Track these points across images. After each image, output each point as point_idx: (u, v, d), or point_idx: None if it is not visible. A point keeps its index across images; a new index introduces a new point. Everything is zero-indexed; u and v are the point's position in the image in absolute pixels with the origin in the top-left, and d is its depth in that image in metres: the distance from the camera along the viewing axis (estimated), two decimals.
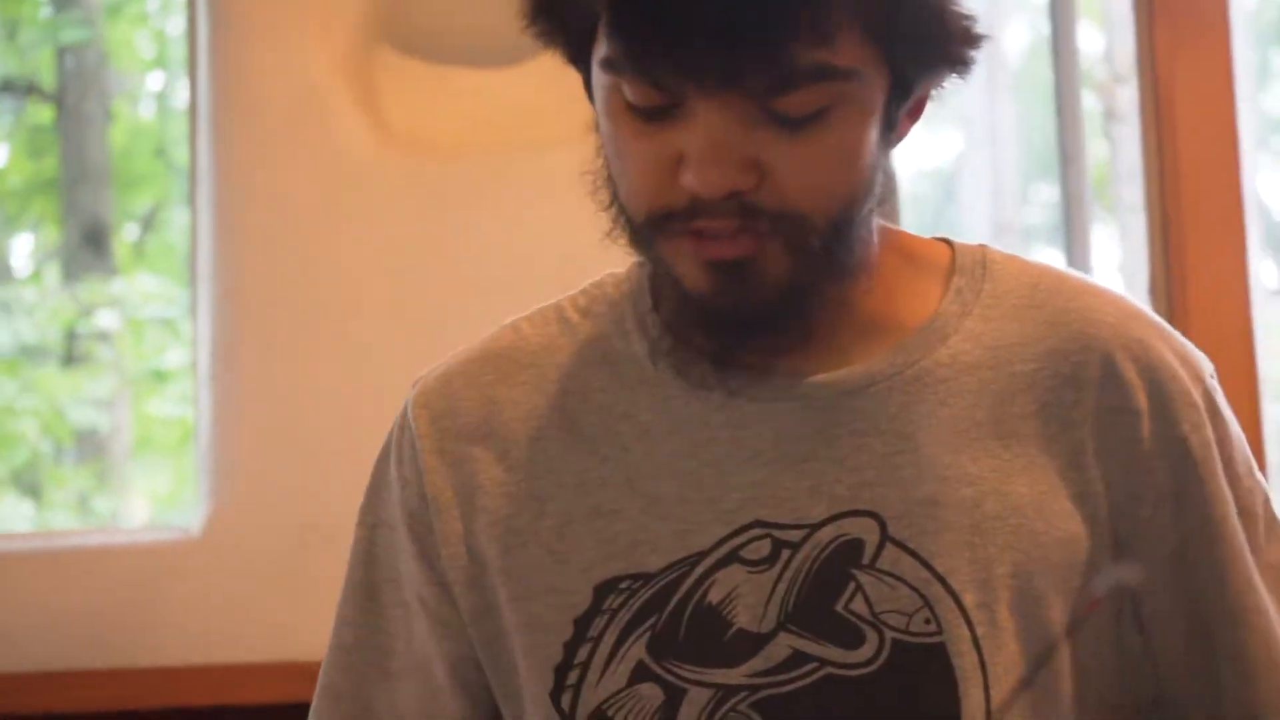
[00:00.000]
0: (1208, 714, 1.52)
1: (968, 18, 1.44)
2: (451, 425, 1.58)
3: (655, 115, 1.40)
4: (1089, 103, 3.92)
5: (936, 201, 5.24)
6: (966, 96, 4.40)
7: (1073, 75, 3.73)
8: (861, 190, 1.44)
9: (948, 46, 1.44)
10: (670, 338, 1.53)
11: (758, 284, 1.42)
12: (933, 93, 1.51)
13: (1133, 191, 3.63)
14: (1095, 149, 3.95)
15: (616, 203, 1.48)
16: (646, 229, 1.44)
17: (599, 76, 1.44)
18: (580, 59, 1.48)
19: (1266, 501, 1.55)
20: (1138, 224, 3.54)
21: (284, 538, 2.99)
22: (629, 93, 1.41)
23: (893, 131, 1.47)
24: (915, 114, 1.50)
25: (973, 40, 1.45)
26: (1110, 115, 3.95)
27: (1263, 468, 3.37)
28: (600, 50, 1.41)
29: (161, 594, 3.07)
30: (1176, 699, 1.53)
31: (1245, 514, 1.53)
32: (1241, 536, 1.52)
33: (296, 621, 2.72)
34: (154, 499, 8.01)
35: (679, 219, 1.41)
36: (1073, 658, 1.49)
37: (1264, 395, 3.45)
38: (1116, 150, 3.90)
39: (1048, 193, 5.54)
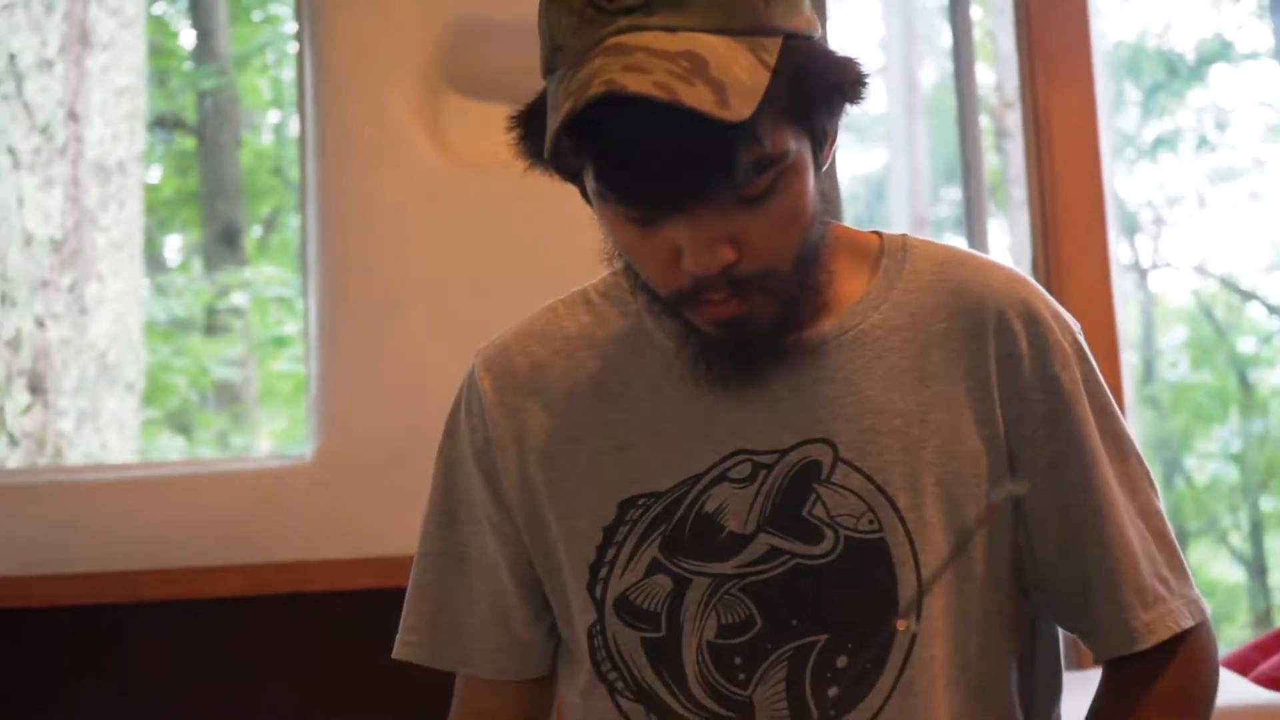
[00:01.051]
0: (1075, 588, 1.52)
1: (852, 61, 1.42)
2: (508, 384, 1.56)
3: (647, 221, 1.38)
4: (984, 123, 3.92)
5: (869, 200, 5.22)
6: (891, 121, 4.39)
7: (971, 102, 3.64)
8: (813, 226, 1.43)
9: (844, 94, 1.41)
10: (690, 363, 1.49)
11: (756, 328, 1.41)
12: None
13: (1019, 191, 3.60)
14: (989, 159, 3.96)
15: (632, 278, 1.47)
16: (666, 303, 1.43)
17: (593, 196, 1.42)
18: (573, 179, 1.45)
19: (1123, 427, 1.55)
20: (1023, 217, 3.50)
21: (374, 463, 2.96)
22: (620, 209, 1.39)
23: (821, 170, 1.44)
24: (832, 141, 1.46)
25: (863, 78, 1.43)
26: (1001, 133, 3.92)
27: (1120, 402, 3.41)
28: (590, 183, 1.39)
29: (282, 507, 3.03)
30: (1050, 580, 1.52)
31: (1105, 435, 1.52)
32: (1103, 452, 1.51)
33: (385, 527, 2.69)
34: (275, 435, 7.99)
35: (688, 296, 1.39)
36: (983, 549, 1.48)
37: (1122, 345, 3.46)
38: (1006, 160, 3.88)
39: (953, 194, 5.51)
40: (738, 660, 1.46)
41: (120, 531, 3.03)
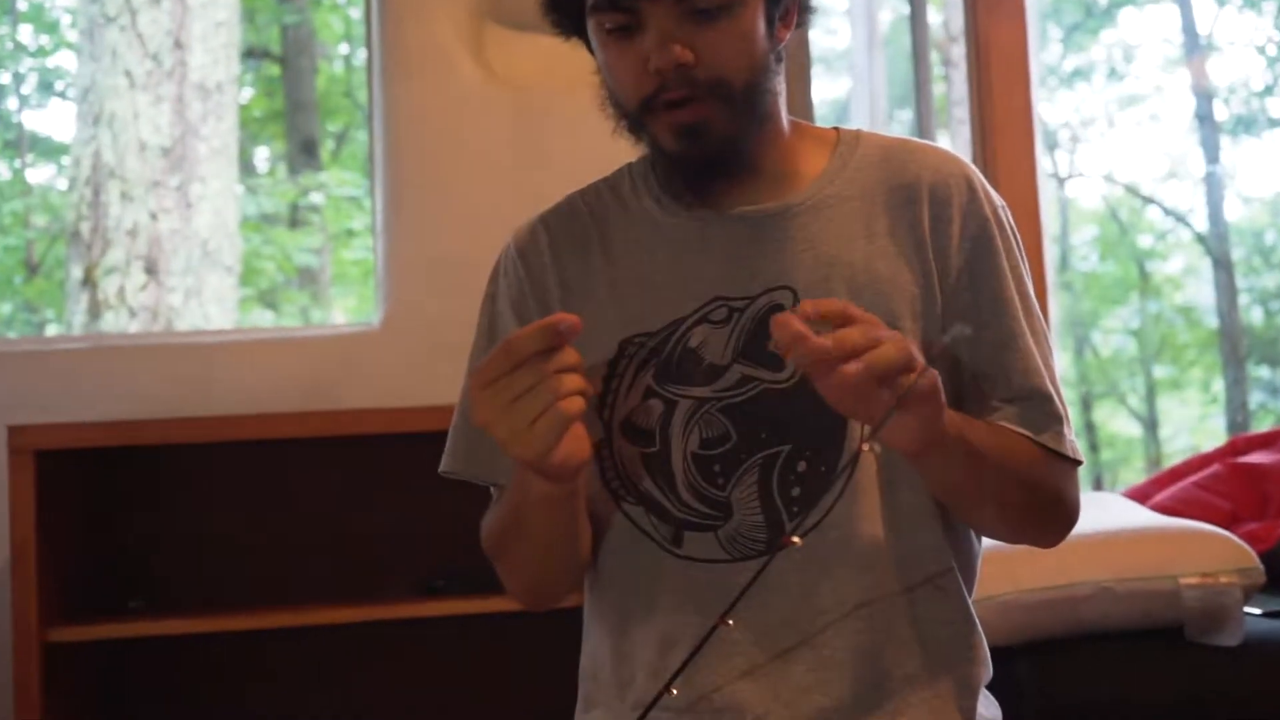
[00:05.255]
0: (990, 398, 1.50)
1: None
2: (535, 252, 1.57)
3: (623, 35, 1.42)
4: (933, 56, 3.89)
5: (836, 121, 5.20)
6: (854, 54, 4.34)
7: (923, 37, 3.62)
8: (760, 62, 1.45)
9: None
10: (660, 186, 1.54)
11: (710, 137, 1.43)
12: (810, 13, 1.53)
13: (962, 111, 3.59)
14: (937, 86, 3.92)
15: (616, 106, 1.48)
16: (636, 115, 1.45)
17: (591, 24, 1.46)
18: (579, 32, 1.50)
19: (1031, 292, 1.53)
20: (965, 133, 3.51)
21: (429, 330, 2.96)
22: (607, 23, 1.43)
23: (774, 30, 1.47)
24: (787, 23, 1.49)
25: None
26: (947, 63, 3.90)
27: (1043, 286, 3.40)
28: (589, 3, 1.44)
29: (354, 365, 3.06)
30: (968, 397, 1.50)
31: (1018, 291, 1.51)
32: (1016, 299, 1.51)
33: (437, 381, 2.71)
34: (347, 311, 8.04)
35: (653, 98, 1.42)
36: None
37: (1045, 237, 3.46)
38: (951, 86, 3.86)
39: (905, 115, 5.51)
40: (717, 468, 1.47)
41: (221, 384, 3.04)
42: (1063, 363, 8.80)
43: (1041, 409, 1.49)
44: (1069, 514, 1.53)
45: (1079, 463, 1.53)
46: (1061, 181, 9.54)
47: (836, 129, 1.60)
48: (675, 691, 1.36)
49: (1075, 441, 1.52)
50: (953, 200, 1.50)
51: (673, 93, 1.41)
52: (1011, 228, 1.55)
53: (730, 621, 1.29)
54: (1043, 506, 1.51)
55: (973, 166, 1.55)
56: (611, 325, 1.51)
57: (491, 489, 1.60)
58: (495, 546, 1.56)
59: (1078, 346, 9.58)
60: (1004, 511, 1.50)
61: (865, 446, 1.23)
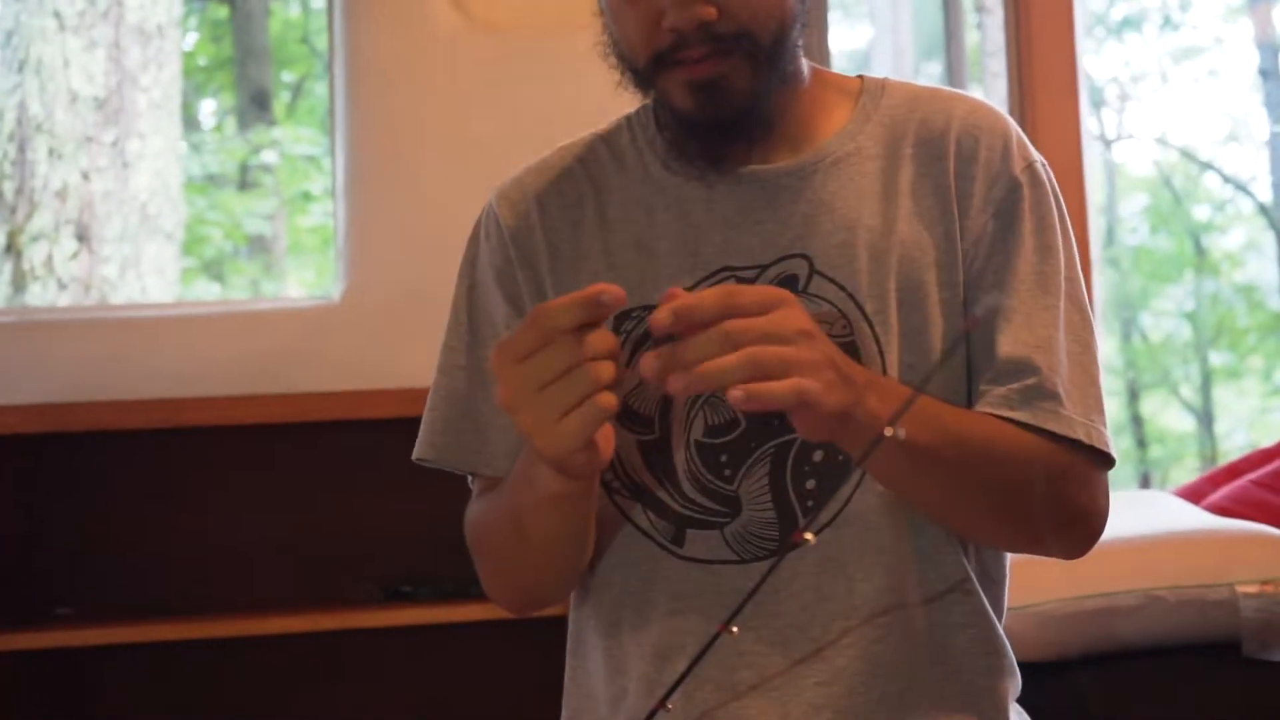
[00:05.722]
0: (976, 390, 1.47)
1: None
2: (521, 213, 1.57)
3: None
4: (965, 0, 3.88)
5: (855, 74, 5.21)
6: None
7: None
8: (789, 15, 1.45)
9: None
10: (668, 148, 1.53)
11: (729, 96, 1.43)
12: None
13: (997, 64, 3.59)
14: (970, 35, 3.92)
15: (622, 59, 1.48)
16: (646, 70, 1.45)
17: None
18: None
19: (1058, 268, 1.49)
20: (1000, 88, 3.52)
21: (396, 304, 2.97)
22: None
23: None
24: None
25: None
26: (981, 9, 3.90)
27: (1087, 263, 3.41)
28: None
29: (311, 343, 3.05)
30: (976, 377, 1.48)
31: (1046, 250, 1.49)
32: (1031, 268, 1.47)
33: (405, 361, 2.71)
34: (303, 285, 8.05)
35: (667, 55, 1.42)
36: (959, 357, 1.49)
37: (1090, 206, 3.47)
38: (985, 35, 3.86)
39: (933, 68, 5.51)
40: (724, 458, 1.47)
41: (161, 364, 3.04)
42: (1108, 348, 8.80)
43: (1021, 381, 1.44)
44: (1074, 517, 1.47)
45: (1107, 457, 1.47)
46: (1108, 144, 9.55)
47: (861, 77, 1.60)
48: (671, 707, 1.36)
49: (1092, 425, 1.45)
50: (979, 156, 1.50)
51: (689, 50, 1.41)
52: (1052, 186, 1.53)
53: (734, 629, 1.29)
54: (1032, 510, 1.43)
55: (1011, 121, 1.55)
56: None
57: (469, 479, 1.60)
58: (483, 544, 1.56)
59: (1125, 330, 9.59)
60: (985, 516, 1.46)
61: (889, 430, 1.23)
